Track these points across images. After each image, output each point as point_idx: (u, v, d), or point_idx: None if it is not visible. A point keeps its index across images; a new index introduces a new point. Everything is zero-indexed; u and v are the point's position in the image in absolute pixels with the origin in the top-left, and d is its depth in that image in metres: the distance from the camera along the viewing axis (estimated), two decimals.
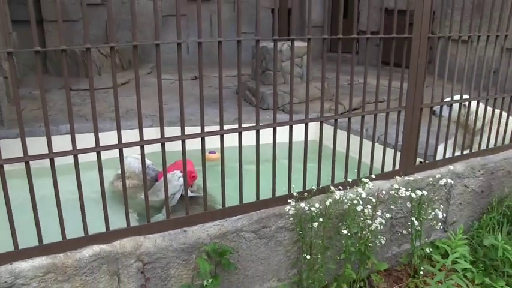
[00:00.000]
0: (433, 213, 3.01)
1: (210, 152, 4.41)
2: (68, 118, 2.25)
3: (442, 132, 3.62)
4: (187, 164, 3.94)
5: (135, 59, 2.35)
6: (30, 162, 2.17)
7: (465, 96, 3.57)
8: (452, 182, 3.26)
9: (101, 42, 9.39)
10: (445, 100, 3.45)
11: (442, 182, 3.12)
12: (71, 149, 2.26)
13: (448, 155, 3.61)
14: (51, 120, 2.23)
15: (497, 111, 3.85)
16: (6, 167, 2.14)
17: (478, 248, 3.33)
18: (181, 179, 3.79)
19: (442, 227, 3.40)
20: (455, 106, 3.81)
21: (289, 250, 2.84)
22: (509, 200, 3.65)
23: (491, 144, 3.83)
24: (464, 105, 3.78)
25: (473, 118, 3.77)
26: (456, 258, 2.64)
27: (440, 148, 3.64)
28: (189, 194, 3.79)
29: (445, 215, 3.35)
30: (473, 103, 3.71)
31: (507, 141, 3.95)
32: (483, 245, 3.27)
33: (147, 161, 3.97)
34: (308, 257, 2.68)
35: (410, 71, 3.16)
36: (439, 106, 3.50)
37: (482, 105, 3.76)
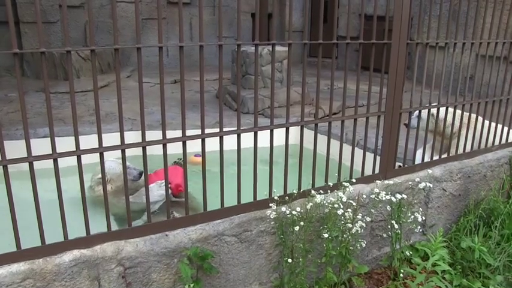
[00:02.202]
0: (412, 216, 3.05)
1: (195, 155, 4.40)
2: (48, 121, 2.21)
3: (421, 136, 3.69)
4: (177, 174, 3.93)
5: (116, 63, 2.34)
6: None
7: (442, 101, 3.65)
8: (431, 185, 3.32)
9: (80, 44, 9.29)
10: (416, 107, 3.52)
11: (421, 185, 3.18)
12: (50, 152, 2.23)
13: (426, 159, 3.68)
14: (29, 124, 2.19)
15: (473, 115, 3.95)
16: None
17: (456, 250, 3.40)
18: (162, 188, 3.78)
19: (421, 230, 3.46)
20: (431, 111, 3.89)
21: (270, 254, 2.85)
22: (485, 203, 3.74)
23: (468, 149, 3.92)
24: (433, 113, 3.86)
25: (448, 123, 3.86)
26: (436, 260, 2.69)
27: (419, 153, 3.71)
28: (172, 199, 3.77)
29: (424, 218, 3.41)
30: (450, 108, 3.80)
31: (483, 146, 4.04)
32: (460, 247, 3.34)
33: (128, 164, 3.94)
34: (290, 260, 2.69)
35: (390, 76, 3.21)
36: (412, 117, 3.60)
37: (456, 111, 3.84)
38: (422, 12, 3.42)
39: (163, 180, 3.73)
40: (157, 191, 3.74)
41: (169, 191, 3.76)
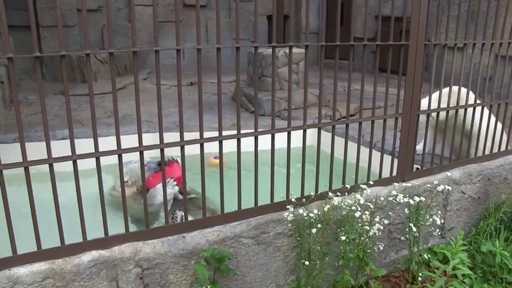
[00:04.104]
0: (430, 219, 3.02)
1: (214, 157, 4.41)
2: (68, 123, 2.24)
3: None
4: (175, 170, 3.94)
5: (134, 65, 2.36)
6: None
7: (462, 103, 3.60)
8: (450, 188, 3.27)
9: (97, 47, 9.40)
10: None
11: (440, 188, 3.14)
12: (70, 154, 2.26)
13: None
14: (48, 126, 2.23)
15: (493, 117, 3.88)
16: (4, 172, 2.13)
17: (476, 254, 3.35)
18: (176, 187, 3.80)
19: (439, 233, 3.41)
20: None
21: (287, 256, 2.84)
22: (506, 206, 3.67)
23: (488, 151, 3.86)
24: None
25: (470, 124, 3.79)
26: (456, 264, 2.65)
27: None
28: (181, 197, 3.78)
29: (442, 221, 3.37)
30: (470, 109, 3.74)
31: (503, 148, 3.98)
32: (481, 251, 3.28)
33: (147, 158, 3.98)
34: (306, 263, 2.68)
35: (407, 78, 3.18)
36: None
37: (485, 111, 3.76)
38: (440, 13, 3.38)
39: (171, 178, 3.76)
40: (170, 189, 3.75)
41: (177, 188, 3.79)
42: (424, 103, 3.41)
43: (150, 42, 9.46)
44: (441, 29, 3.38)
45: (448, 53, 3.43)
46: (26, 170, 2.17)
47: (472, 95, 3.66)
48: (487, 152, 3.87)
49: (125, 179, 3.56)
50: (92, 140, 2.31)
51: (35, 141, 4.52)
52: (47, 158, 2.20)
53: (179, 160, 4.04)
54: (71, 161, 2.26)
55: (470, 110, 3.70)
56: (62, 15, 8.77)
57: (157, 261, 2.44)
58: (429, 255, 3.17)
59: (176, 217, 3.47)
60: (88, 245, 2.33)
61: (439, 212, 3.20)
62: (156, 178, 3.96)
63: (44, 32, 8.80)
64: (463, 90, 3.60)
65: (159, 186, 3.74)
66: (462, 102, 3.61)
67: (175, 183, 3.81)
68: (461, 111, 3.61)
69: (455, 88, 3.52)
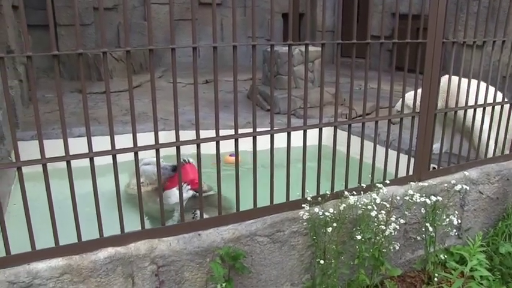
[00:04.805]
0: (447, 219, 2.98)
1: (230, 155, 4.42)
2: (84, 121, 2.26)
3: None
4: (188, 172, 3.94)
5: (150, 63, 2.36)
6: None
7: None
8: (467, 188, 3.23)
9: (112, 46, 9.47)
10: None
11: (457, 188, 3.10)
12: (86, 151, 2.28)
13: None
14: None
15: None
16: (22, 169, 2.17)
17: (494, 255, 3.29)
18: (190, 192, 3.83)
19: (456, 234, 3.36)
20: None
21: (302, 255, 2.83)
22: None
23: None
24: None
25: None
26: (474, 265, 2.61)
27: None
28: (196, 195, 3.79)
29: (459, 221, 3.32)
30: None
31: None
32: (499, 253, 3.23)
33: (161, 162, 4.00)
34: (322, 261, 2.66)
35: (425, 77, 3.15)
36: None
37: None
38: (459, 10, 3.33)
39: (185, 183, 3.77)
40: (184, 193, 3.76)
41: (192, 193, 3.80)
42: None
43: (166, 40, 9.50)
44: (459, 27, 3.31)
45: (467, 51, 3.38)
46: (44, 167, 2.19)
47: (492, 92, 3.59)
48: (506, 152, 3.80)
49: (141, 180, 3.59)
50: (108, 137, 2.33)
51: (52, 138, 4.56)
52: (64, 155, 2.23)
53: (191, 160, 4.05)
54: (88, 158, 2.28)
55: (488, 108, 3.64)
56: (79, 14, 8.87)
57: (173, 259, 2.45)
58: (445, 256, 3.13)
59: (197, 216, 3.48)
60: (104, 242, 2.35)
61: (456, 212, 3.15)
62: (171, 182, 3.98)
63: (61, 31, 8.90)
64: (483, 87, 3.54)
65: (174, 189, 3.76)
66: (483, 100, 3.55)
67: (189, 187, 3.83)
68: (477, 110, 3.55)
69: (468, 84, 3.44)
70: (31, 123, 5.00)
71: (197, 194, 3.86)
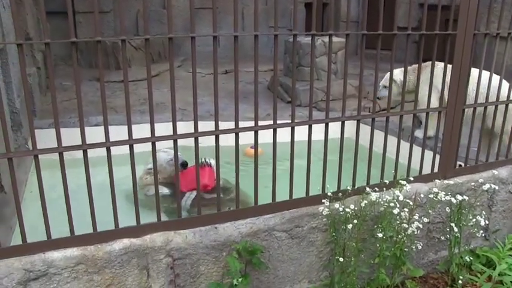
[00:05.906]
0: (473, 219, 2.86)
1: (251, 147, 4.34)
2: (102, 110, 2.22)
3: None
4: (203, 176, 3.81)
5: (170, 52, 2.31)
6: None
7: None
8: (496, 187, 3.10)
9: (131, 34, 9.43)
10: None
11: (485, 187, 2.98)
12: (103, 141, 2.24)
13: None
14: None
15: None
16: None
17: None
18: (188, 201, 3.76)
19: (483, 235, 3.23)
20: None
21: (321, 251, 2.76)
22: None
23: None
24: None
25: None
26: (503, 269, 2.49)
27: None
28: (206, 196, 3.69)
29: (486, 222, 3.18)
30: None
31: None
32: None
33: (168, 155, 3.96)
34: (341, 259, 2.59)
35: (453, 70, 3.02)
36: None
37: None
38: (493, 0, 3.18)
39: (191, 192, 3.69)
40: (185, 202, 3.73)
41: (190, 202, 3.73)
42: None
43: (185, 29, 9.44)
44: (492, 18, 3.16)
45: (500, 44, 3.22)
46: (61, 155, 2.16)
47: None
48: None
49: (150, 169, 3.52)
50: (125, 127, 2.28)
51: (69, 127, 4.55)
52: (81, 144, 2.19)
53: (213, 163, 3.88)
54: (104, 148, 2.24)
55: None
56: (98, 2, 8.89)
57: (189, 252, 2.40)
58: (471, 258, 3.02)
59: None
60: (120, 233, 2.32)
61: (483, 213, 3.03)
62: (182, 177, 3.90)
63: (79, 18, 8.89)
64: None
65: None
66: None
67: (193, 196, 3.70)
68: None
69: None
70: (48, 111, 5.00)
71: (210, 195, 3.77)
